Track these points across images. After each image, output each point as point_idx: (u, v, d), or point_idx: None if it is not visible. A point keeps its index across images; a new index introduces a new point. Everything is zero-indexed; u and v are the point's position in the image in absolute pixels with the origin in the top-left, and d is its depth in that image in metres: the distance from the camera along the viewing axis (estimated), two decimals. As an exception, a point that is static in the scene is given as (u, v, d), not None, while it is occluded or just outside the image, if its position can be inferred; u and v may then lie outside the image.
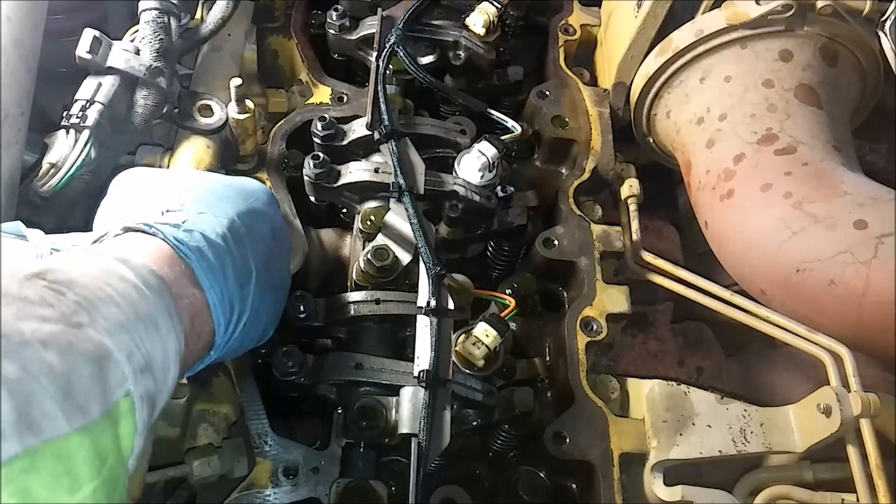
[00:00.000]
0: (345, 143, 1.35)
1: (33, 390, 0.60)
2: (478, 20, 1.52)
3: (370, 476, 1.15)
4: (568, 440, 1.22)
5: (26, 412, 0.59)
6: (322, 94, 1.54)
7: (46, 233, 1.01)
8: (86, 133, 1.21)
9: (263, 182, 1.40)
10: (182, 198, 0.98)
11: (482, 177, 1.30)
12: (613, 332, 1.38)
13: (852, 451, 1.18)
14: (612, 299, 1.36)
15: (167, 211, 0.95)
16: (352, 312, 1.20)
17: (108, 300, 0.73)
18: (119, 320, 0.72)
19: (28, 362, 0.61)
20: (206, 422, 1.22)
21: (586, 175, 1.51)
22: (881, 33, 1.32)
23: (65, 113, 1.23)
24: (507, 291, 1.37)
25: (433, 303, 1.16)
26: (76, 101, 1.23)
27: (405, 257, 1.24)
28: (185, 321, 0.84)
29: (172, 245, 0.88)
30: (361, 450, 1.17)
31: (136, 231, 0.90)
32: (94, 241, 0.92)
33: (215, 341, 0.92)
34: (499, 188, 1.33)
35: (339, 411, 1.19)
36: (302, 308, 1.19)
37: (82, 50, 1.23)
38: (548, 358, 1.38)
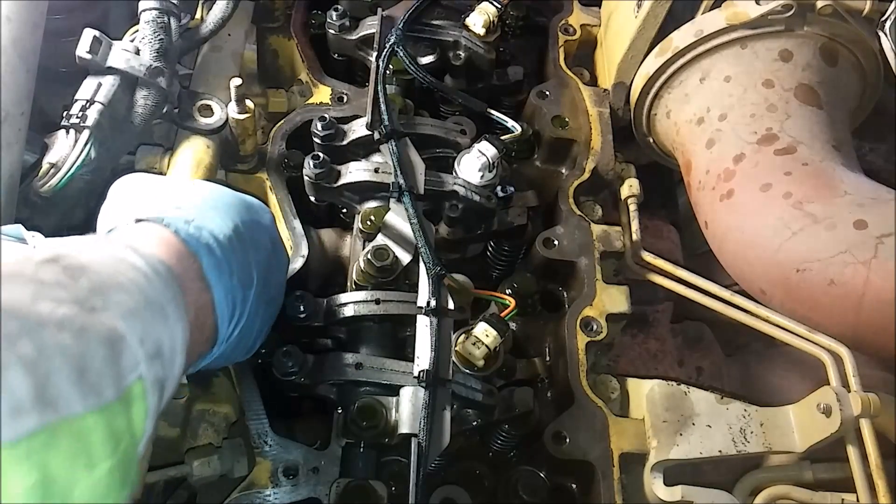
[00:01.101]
0: (345, 143, 1.35)
1: (49, 369, 0.61)
2: (478, 20, 1.52)
3: (370, 476, 1.15)
4: (568, 440, 1.22)
5: (43, 390, 0.59)
6: (322, 94, 1.54)
7: (47, 234, 1.01)
8: (86, 133, 1.21)
9: (263, 182, 1.41)
10: (189, 200, 1.00)
11: (482, 177, 1.30)
12: (613, 332, 1.38)
13: (852, 451, 1.18)
14: (612, 299, 1.36)
15: (177, 207, 0.96)
16: (352, 312, 1.19)
17: (120, 287, 0.74)
18: (130, 307, 0.73)
19: (44, 342, 0.62)
20: (206, 422, 1.22)
21: (586, 175, 1.51)
22: (881, 33, 1.32)
23: (65, 113, 1.22)
24: (507, 291, 1.37)
25: (433, 303, 1.16)
26: (76, 101, 1.23)
27: (405, 257, 1.24)
28: (190, 313, 0.85)
29: (183, 238, 0.90)
30: (361, 450, 1.16)
31: (149, 222, 0.92)
32: (108, 232, 0.94)
33: (218, 336, 0.94)
34: (499, 188, 1.33)
35: (339, 411, 1.19)
36: (302, 308, 1.19)
37: (82, 50, 1.23)
38: (548, 358, 1.38)
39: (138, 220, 0.92)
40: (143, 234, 0.89)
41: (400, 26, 1.45)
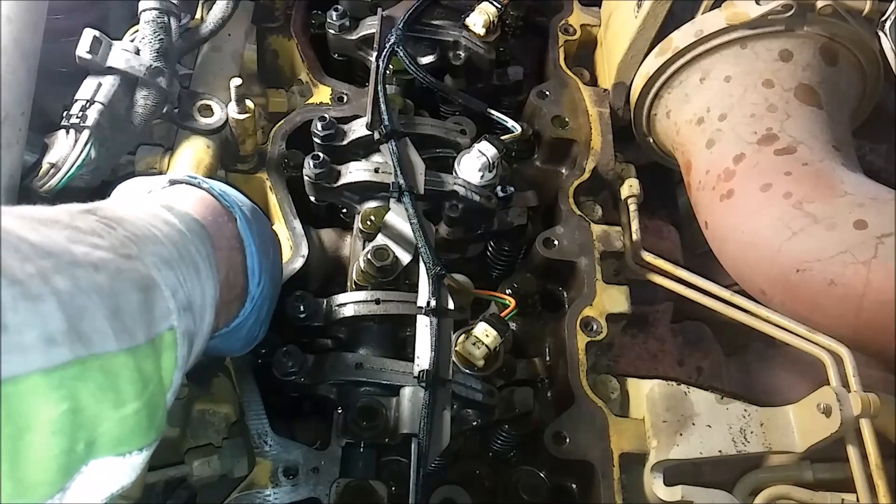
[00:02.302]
0: (345, 143, 1.35)
1: (85, 305, 0.61)
2: (478, 20, 1.52)
3: (370, 476, 1.15)
4: (568, 440, 1.22)
5: (77, 324, 0.60)
6: (322, 94, 1.54)
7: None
8: (86, 133, 1.21)
9: (263, 182, 1.41)
10: (206, 180, 1.02)
11: (482, 177, 1.30)
12: (613, 332, 1.38)
13: (852, 451, 1.18)
14: (612, 299, 1.36)
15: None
16: (352, 312, 1.19)
17: (155, 240, 0.76)
18: (165, 258, 0.75)
19: (80, 280, 0.62)
20: (206, 422, 1.22)
21: (586, 175, 1.51)
22: (881, 33, 1.32)
23: (65, 113, 1.23)
24: (507, 291, 1.36)
25: (433, 303, 1.16)
26: (76, 101, 1.23)
27: (405, 257, 1.24)
28: (221, 271, 0.87)
29: (217, 196, 0.93)
30: (361, 450, 1.16)
31: (182, 183, 0.94)
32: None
33: (249, 292, 0.95)
34: (499, 188, 1.33)
35: (339, 411, 1.19)
36: (302, 308, 1.19)
37: (82, 50, 1.23)
38: (548, 358, 1.38)
39: (172, 182, 0.95)
40: (178, 194, 0.92)
41: (400, 26, 1.45)
